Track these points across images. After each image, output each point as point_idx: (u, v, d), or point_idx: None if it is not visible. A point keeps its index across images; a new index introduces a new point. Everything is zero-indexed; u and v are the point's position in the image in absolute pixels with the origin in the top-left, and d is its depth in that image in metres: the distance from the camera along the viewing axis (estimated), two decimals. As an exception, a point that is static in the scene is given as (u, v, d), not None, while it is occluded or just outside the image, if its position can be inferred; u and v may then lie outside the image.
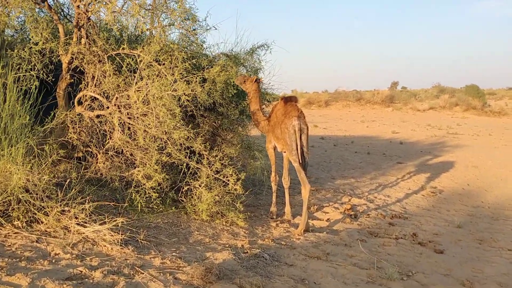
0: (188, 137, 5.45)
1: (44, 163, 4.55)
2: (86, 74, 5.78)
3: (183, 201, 5.83)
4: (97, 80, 5.70)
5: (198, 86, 5.47)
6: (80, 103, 5.87)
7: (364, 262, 4.90)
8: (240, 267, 4.19)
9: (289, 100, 6.43)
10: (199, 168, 5.63)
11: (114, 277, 3.51)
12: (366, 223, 6.66)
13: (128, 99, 5.48)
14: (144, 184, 5.24)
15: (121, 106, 5.54)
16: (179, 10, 5.78)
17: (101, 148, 5.72)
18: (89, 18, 5.64)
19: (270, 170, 6.97)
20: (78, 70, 5.82)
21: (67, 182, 4.64)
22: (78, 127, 5.74)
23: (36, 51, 5.41)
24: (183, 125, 5.48)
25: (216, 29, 6.47)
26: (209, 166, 5.61)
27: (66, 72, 5.79)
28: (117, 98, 5.55)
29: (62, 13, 6.41)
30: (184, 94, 5.31)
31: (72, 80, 5.88)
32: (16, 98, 4.75)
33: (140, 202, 5.16)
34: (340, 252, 5.19)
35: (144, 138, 5.36)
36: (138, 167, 5.40)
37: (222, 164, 5.62)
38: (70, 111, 5.77)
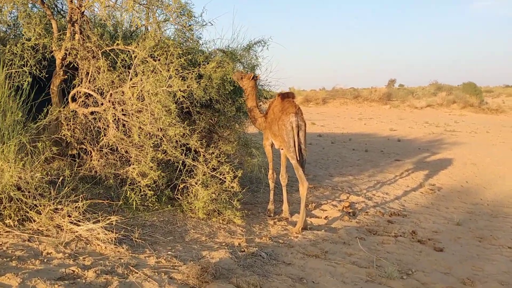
0: (184, 134, 5.37)
1: (37, 161, 4.45)
2: (80, 70, 5.70)
3: (179, 199, 5.75)
4: (91, 76, 5.61)
5: (194, 82, 5.38)
6: (74, 99, 5.78)
7: (363, 261, 4.83)
8: (237, 266, 4.11)
9: (286, 96, 6.35)
10: (195, 166, 5.55)
11: (108, 276, 3.42)
12: (365, 220, 6.59)
13: (122, 96, 5.39)
14: (139, 182, 5.16)
15: (115, 102, 5.46)
16: (174, 6, 5.70)
17: (95, 145, 5.63)
18: (82, 13, 5.55)
19: (268, 168, 6.89)
20: (71, 66, 5.73)
21: (60, 180, 4.55)
22: (72, 124, 5.66)
23: (28, 46, 5.32)
24: (179, 121, 5.39)
25: (212, 24, 6.40)
26: (205, 164, 5.53)
27: (59, 68, 5.70)
28: (111, 94, 5.47)
29: (55, 8, 6.33)
30: (180, 90, 5.22)
31: (66, 76, 5.79)
32: (8, 94, 4.66)
33: (135, 200, 5.08)
34: (339, 250, 5.11)
35: (139, 135, 5.27)
36: (133, 164, 5.32)
37: (218, 161, 5.54)
38: (64, 107, 5.68)
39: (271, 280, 3.96)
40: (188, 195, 5.62)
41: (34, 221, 4.16)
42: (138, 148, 5.37)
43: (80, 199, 4.31)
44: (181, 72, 5.40)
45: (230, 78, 6.40)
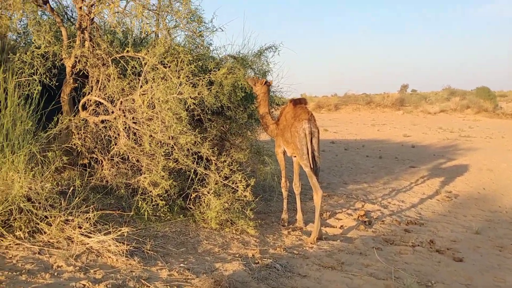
0: (195, 142, 5.27)
1: (47, 171, 4.37)
2: (90, 78, 5.63)
3: (191, 208, 5.64)
4: (101, 84, 5.54)
5: (205, 89, 5.29)
6: (84, 108, 5.72)
7: (381, 272, 4.68)
8: (251, 279, 3.98)
9: (298, 102, 6.24)
10: (207, 174, 5.45)
11: (118, 291, 3.32)
12: (381, 230, 6.44)
13: (133, 103, 5.31)
14: (150, 192, 5.06)
15: (126, 110, 5.38)
16: (184, 11, 5.63)
17: (106, 154, 5.55)
18: (92, 20, 5.49)
19: (280, 176, 6.77)
20: (81, 74, 5.67)
21: (70, 190, 4.46)
22: (83, 132, 5.58)
23: (38, 54, 5.26)
24: (190, 129, 5.30)
25: (222, 30, 6.32)
26: (217, 172, 5.42)
27: (69, 76, 5.64)
28: (121, 102, 5.39)
29: (65, 15, 6.29)
30: (191, 97, 5.13)
31: (76, 84, 5.74)
32: (18, 103, 4.59)
33: (147, 210, 4.97)
34: (355, 261, 4.97)
35: (150, 143, 5.18)
36: (144, 173, 5.23)
37: (231, 169, 5.43)
38: (75, 116, 5.61)
39: (286, 293, 3.83)
40: (201, 204, 5.52)
41: (45, 232, 4.06)
42: (149, 157, 5.28)
43: (91, 210, 4.22)
44: (192, 79, 5.31)
45: (241, 84, 6.31)
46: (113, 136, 5.50)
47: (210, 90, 5.55)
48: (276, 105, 8.11)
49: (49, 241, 4.02)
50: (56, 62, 5.50)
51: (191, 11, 5.78)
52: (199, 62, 5.78)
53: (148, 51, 5.40)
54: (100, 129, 5.57)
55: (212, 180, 5.39)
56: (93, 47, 5.50)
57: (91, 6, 5.41)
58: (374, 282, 4.35)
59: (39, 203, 4.11)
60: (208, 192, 5.39)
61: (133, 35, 6.57)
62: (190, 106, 5.23)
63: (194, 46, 6.50)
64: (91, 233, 4.08)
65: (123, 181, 5.33)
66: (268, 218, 6.76)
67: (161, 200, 5.01)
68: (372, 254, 5.20)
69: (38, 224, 4.08)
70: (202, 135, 5.47)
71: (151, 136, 5.22)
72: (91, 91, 5.62)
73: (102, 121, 5.56)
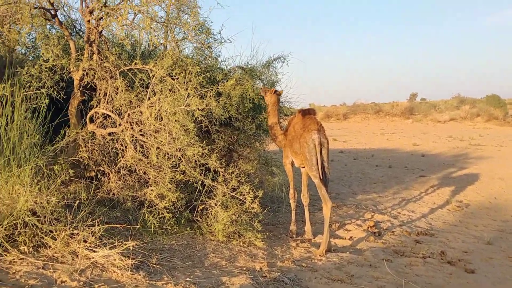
0: (203, 153, 5.24)
1: (53, 184, 4.35)
2: (97, 90, 5.63)
3: (198, 221, 5.60)
4: (109, 96, 5.54)
5: (213, 100, 5.27)
6: (92, 120, 5.72)
7: (391, 285, 4.59)
8: (258, 293, 3.92)
9: (307, 112, 6.20)
10: (215, 186, 5.41)
11: (123, 307, 3.27)
12: (391, 241, 6.34)
13: (140, 116, 5.30)
14: (157, 204, 5.03)
15: (133, 122, 5.36)
16: (192, 23, 5.62)
17: (113, 166, 5.53)
18: (100, 33, 5.50)
19: (289, 187, 6.71)
20: (89, 86, 5.67)
21: (76, 203, 4.44)
22: (90, 145, 5.57)
23: (46, 68, 5.27)
24: (198, 141, 5.27)
25: (231, 42, 6.32)
26: (225, 184, 5.38)
27: (77, 89, 5.65)
28: (129, 114, 5.38)
29: (73, 29, 6.31)
30: (198, 109, 5.10)
31: (84, 97, 5.74)
32: (25, 117, 4.59)
33: (154, 223, 4.93)
34: (365, 273, 4.88)
35: (157, 155, 5.16)
36: (151, 186, 5.20)
37: (238, 181, 5.39)
38: (82, 129, 5.61)
39: (294, 308, 3.77)
40: (208, 216, 5.47)
41: (49, 247, 4.03)
42: (156, 169, 5.25)
43: (97, 223, 4.19)
44: (200, 90, 5.29)
45: (249, 95, 6.28)
46: (120, 148, 5.48)
47: (218, 102, 5.53)
48: (284, 116, 8.07)
49: (53, 256, 3.99)
50: (64, 75, 5.50)
51: (199, 23, 5.78)
52: (207, 74, 5.77)
53: (156, 63, 5.39)
54: (108, 142, 5.56)
55: (220, 192, 5.35)
56: (101, 60, 5.51)
57: (100, 19, 5.42)
58: (384, 296, 4.28)
59: (45, 217, 4.09)
60: (216, 204, 5.34)
61: (141, 48, 6.58)
62: (198, 117, 5.21)
63: (202, 58, 6.51)
64: (96, 247, 4.05)
65: (129, 194, 5.30)
66: (276, 229, 6.70)
67: (168, 212, 4.97)
68: (382, 266, 5.11)
69: (43, 238, 4.05)
70: (209, 146, 5.43)
71: (159, 148, 5.20)
72: (99, 103, 5.62)
73: (110, 134, 5.54)
